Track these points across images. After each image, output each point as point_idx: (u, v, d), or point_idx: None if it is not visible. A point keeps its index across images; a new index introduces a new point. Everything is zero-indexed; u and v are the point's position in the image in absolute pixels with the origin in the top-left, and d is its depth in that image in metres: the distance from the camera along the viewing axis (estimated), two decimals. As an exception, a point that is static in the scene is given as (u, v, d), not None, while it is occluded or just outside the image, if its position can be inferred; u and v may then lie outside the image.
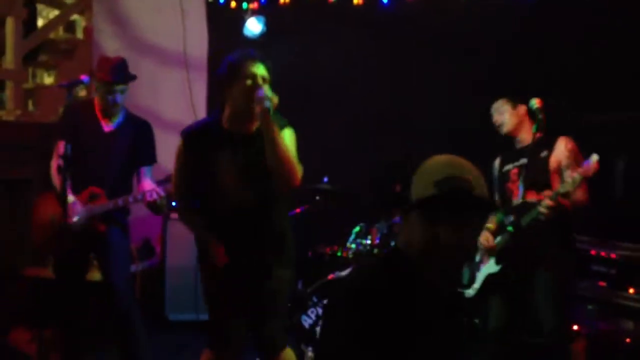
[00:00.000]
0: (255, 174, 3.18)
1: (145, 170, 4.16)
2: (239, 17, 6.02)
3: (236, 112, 3.24)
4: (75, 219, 3.94)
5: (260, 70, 3.21)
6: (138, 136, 4.17)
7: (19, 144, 5.38)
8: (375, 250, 4.75)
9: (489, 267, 3.94)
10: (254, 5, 6.11)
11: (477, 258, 4.06)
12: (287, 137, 3.26)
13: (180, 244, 5.38)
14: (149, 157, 4.21)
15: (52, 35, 6.81)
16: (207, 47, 6.42)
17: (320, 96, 5.99)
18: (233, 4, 6.22)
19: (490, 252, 3.92)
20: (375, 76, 5.91)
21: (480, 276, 3.99)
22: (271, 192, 3.21)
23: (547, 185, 3.65)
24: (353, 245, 4.89)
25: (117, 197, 4.00)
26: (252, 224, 3.22)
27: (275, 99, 3.10)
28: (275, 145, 3.07)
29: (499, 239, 3.91)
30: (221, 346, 3.32)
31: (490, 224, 3.98)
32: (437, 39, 5.70)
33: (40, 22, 6.87)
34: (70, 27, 7.30)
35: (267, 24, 5.93)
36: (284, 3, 6.15)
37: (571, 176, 3.43)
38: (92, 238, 4.05)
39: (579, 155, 3.63)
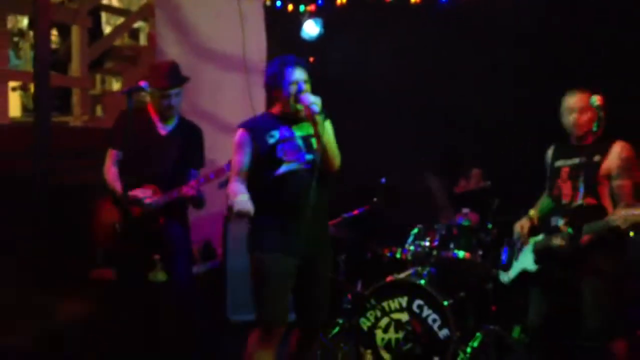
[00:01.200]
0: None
1: (194, 172, 4.31)
2: (297, 19, 6.04)
3: (285, 111, 3.62)
4: (151, 200, 4.07)
5: (300, 75, 3.56)
6: (191, 140, 4.35)
7: (86, 149, 5.54)
8: (434, 252, 4.70)
9: (526, 262, 3.84)
10: (311, 8, 6.12)
11: (517, 244, 3.98)
12: (328, 129, 3.60)
13: (242, 246, 5.41)
14: (199, 160, 4.39)
15: (116, 43, 7.01)
16: (266, 51, 6.47)
17: (379, 96, 5.96)
18: (290, 7, 6.25)
19: (524, 240, 3.87)
20: (434, 74, 5.84)
21: (516, 268, 3.91)
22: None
23: (595, 192, 3.56)
24: (412, 247, 4.84)
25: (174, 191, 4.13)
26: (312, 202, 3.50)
27: (319, 101, 3.45)
28: (324, 142, 3.48)
29: (541, 237, 3.80)
30: (275, 323, 3.52)
31: (533, 212, 3.91)
32: (498, 34, 5.60)
33: (106, 30, 7.08)
34: (134, 34, 7.51)
35: (325, 26, 5.93)
36: (341, 4, 6.14)
37: (622, 215, 3.30)
38: (153, 236, 4.15)
39: (634, 164, 3.51)
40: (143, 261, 4.23)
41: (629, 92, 4.94)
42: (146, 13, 7.00)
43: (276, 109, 3.66)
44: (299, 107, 3.52)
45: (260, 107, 6.42)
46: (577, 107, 3.68)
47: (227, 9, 6.34)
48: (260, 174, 3.56)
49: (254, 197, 3.52)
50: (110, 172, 4.23)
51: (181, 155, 4.27)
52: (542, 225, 3.86)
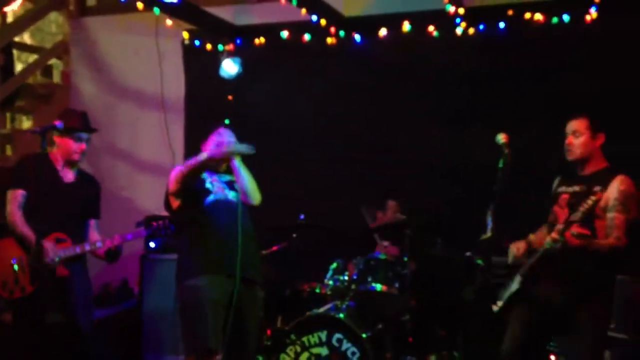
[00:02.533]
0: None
1: (94, 223, 4.39)
2: (215, 58, 6.09)
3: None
4: (55, 258, 4.00)
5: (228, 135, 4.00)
6: (91, 191, 4.39)
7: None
8: (353, 286, 4.77)
9: (514, 285, 3.75)
10: (230, 47, 6.19)
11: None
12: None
13: (159, 285, 5.37)
14: (98, 212, 4.44)
15: (29, 80, 6.86)
16: (185, 88, 6.49)
17: (297, 135, 6.04)
18: (209, 46, 6.30)
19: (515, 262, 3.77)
20: (352, 113, 5.99)
21: (506, 294, 3.80)
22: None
23: (592, 221, 3.49)
24: (331, 282, 4.90)
25: (80, 243, 4.15)
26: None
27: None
28: (244, 179, 3.85)
29: (530, 259, 3.70)
30: (209, 350, 3.56)
31: (532, 237, 3.84)
32: (412, 73, 5.81)
33: (19, 67, 6.93)
34: (48, 71, 7.37)
35: (243, 65, 6.01)
36: (259, 44, 6.24)
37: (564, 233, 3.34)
38: (54, 281, 4.04)
39: (631, 198, 3.48)
40: (41, 301, 4.11)
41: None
42: (60, 50, 6.90)
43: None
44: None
45: (178, 145, 6.42)
46: (573, 128, 3.72)
47: (145, 47, 6.34)
48: (190, 206, 3.80)
49: (185, 233, 3.80)
50: (17, 215, 4.11)
51: (83, 204, 4.31)
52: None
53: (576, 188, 3.66)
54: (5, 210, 4.14)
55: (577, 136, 3.68)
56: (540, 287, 3.61)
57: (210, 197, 3.81)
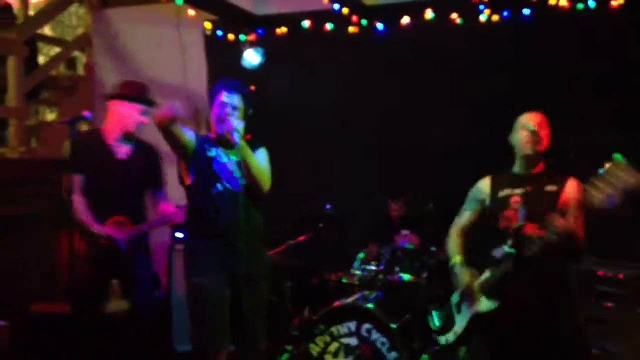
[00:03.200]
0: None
1: (161, 193, 4.25)
2: (237, 48, 6.09)
3: (217, 134, 3.69)
4: (121, 237, 4.00)
5: (231, 99, 3.62)
6: (148, 160, 4.24)
7: (22, 181, 5.44)
8: (380, 276, 4.78)
9: (479, 305, 3.51)
10: (252, 37, 6.19)
11: (455, 298, 3.71)
12: (262, 157, 3.74)
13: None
14: (161, 182, 4.29)
15: (53, 72, 6.90)
16: (206, 79, 6.49)
17: (320, 124, 6.05)
18: (231, 37, 6.30)
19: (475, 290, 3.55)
20: (375, 103, 5.98)
21: (464, 317, 3.62)
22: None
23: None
24: (358, 272, 4.92)
25: (141, 223, 4.09)
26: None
27: (241, 128, 3.58)
28: (247, 166, 3.58)
29: (487, 273, 3.51)
30: (211, 348, 3.54)
31: (459, 259, 3.66)
32: (434, 62, 5.79)
33: (41, 60, 6.97)
34: (72, 63, 7.41)
35: (265, 55, 6.01)
36: (281, 34, 6.23)
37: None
38: (116, 266, 4.05)
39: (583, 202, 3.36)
40: (102, 287, 4.11)
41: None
42: (83, 42, 6.93)
43: (212, 132, 3.74)
44: (223, 129, 3.57)
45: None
46: (534, 122, 3.60)
47: (168, 38, 6.35)
48: (197, 191, 3.63)
49: (190, 218, 3.68)
50: (80, 204, 4.04)
51: (142, 178, 4.18)
52: (481, 264, 3.60)
53: (523, 189, 3.53)
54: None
55: (542, 128, 3.57)
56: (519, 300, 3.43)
57: (216, 188, 3.61)
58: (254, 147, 3.69)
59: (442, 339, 3.76)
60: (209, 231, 3.60)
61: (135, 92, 4.22)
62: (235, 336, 3.63)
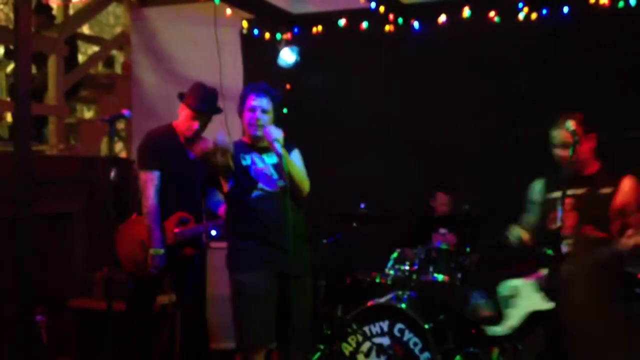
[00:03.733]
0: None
1: (214, 192, 4.36)
2: (273, 47, 6.11)
3: (251, 139, 3.77)
4: (161, 250, 4.12)
5: (261, 102, 3.65)
6: None
7: (62, 178, 5.53)
8: (414, 276, 4.75)
9: (532, 304, 3.65)
10: (288, 36, 6.20)
11: (503, 290, 3.81)
12: (296, 158, 3.80)
13: (220, 273, 5.42)
14: (217, 182, 4.35)
15: (92, 71, 7.01)
16: (243, 78, 6.52)
17: (355, 123, 6.04)
18: (267, 36, 6.32)
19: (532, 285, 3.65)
20: (410, 102, 5.94)
21: (520, 313, 3.70)
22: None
23: (606, 224, 3.44)
24: (392, 272, 4.90)
25: (203, 222, 4.24)
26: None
27: (281, 137, 3.57)
28: (288, 172, 3.59)
29: (545, 272, 3.64)
30: (255, 345, 3.61)
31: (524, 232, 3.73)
32: (471, 61, 5.72)
33: (80, 58, 7.08)
34: (110, 62, 7.52)
35: (301, 54, 6.01)
36: (317, 32, 6.23)
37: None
38: (174, 262, 4.19)
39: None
40: (157, 283, 4.31)
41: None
42: (122, 41, 7.02)
43: (246, 137, 3.81)
44: (259, 134, 3.65)
45: (237, 134, 6.41)
46: (563, 130, 3.57)
47: (204, 37, 6.36)
48: (237, 198, 3.67)
49: (231, 222, 3.71)
50: (154, 205, 4.13)
51: (207, 179, 4.28)
52: (536, 260, 3.72)
53: (577, 191, 3.52)
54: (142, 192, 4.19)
55: (582, 127, 3.53)
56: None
57: (255, 192, 3.64)
58: (289, 149, 3.72)
59: (494, 330, 3.82)
60: (251, 232, 3.64)
61: (207, 103, 4.26)
62: (282, 334, 3.67)
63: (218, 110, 4.34)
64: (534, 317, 3.64)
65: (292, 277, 3.54)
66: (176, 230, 4.17)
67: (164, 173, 4.14)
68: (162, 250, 4.10)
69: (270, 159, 3.73)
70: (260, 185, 3.65)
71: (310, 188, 3.75)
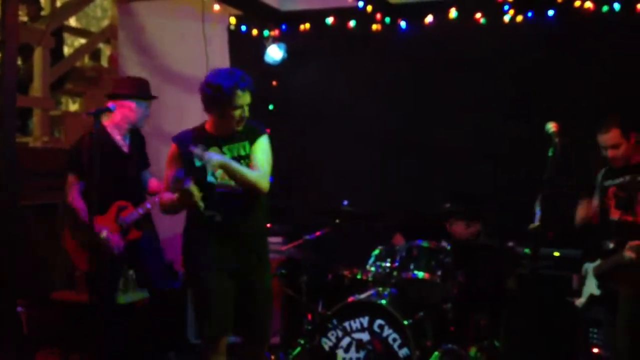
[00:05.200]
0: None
1: (146, 175, 4.67)
2: (261, 44, 6.13)
3: (221, 125, 3.65)
4: (103, 233, 4.26)
5: (247, 99, 3.61)
6: (140, 146, 4.68)
7: (46, 170, 5.52)
8: (395, 273, 4.79)
9: (591, 287, 4.07)
10: (275, 33, 6.22)
11: (586, 268, 4.14)
12: (262, 146, 3.70)
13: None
14: (147, 160, 4.73)
15: (78, 64, 6.99)
16: (230, 73, 6.53)
17: (341, 120, 6.07)
18: (254, 32, 6.34)
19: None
20: (395, 99, 5.98)
21: (585, 293, 4.12)
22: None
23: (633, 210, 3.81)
24: (373, 268, 4.93)
25: (142, 203, 4.42)
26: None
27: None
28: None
29: (598, 261, 4.02)
30: (214, 336, 3.66)
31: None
32: (458, 61, 5.77)
33: (66, 51, 7.06)
34: (96, 55, 7.50)
35: (288, 51, 6.04)
36: (304, 30, 6.26)
37: None
38: (125, 249, 4.36)
39: None
40: (115, 273, 4.42)
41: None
42: (109, 34, 7.01)
43: (209, 125, 3.71)
44: (237, 126, 3.62)
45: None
46: (606, 139, 3.97)
47: (191, 32, 6.39)
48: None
49: (187, 220, 3.76)
50: (79, 203, 4.36)
51: (139, 165, 4.61)
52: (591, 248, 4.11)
53: (621, 179, 3.91)
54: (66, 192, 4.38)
55: (617, 147, 3.92)
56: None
57: (214, 194, 3.59)
58: (255, 136, 3.69)
59: (577, 301, 4.19)
60: (203, 232, 3.66)
61: (138, 89, 4.51)
62: (242, 330, 3.77)
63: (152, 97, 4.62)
64: (591, 300, 4.07)
65: (244, 276, 3.67)
66: (120, 218, 4.38)
67: (100, 172, 4.15)
68: (105, 232, 4.28)
69: (230, 152, 3.65)
70: (216, 185, 3.57)
71: (270, 183, 3.69)
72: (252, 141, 3.70)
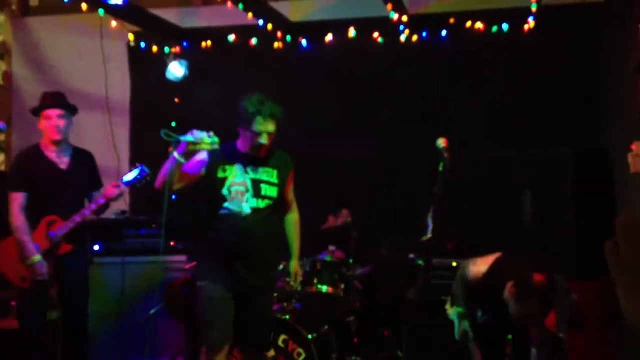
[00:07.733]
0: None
1: (96, 194, 4.56)
2: (162, 61, 6.07)
3: (244, 145, 3.90)
4: (36, 257, 4.26)
5: (269, 128, 3.82)
6: (87, 166, 4.61)
7: None
8: (299, 288, 4.82)
9: None
10: (176, 50, 6.18)
11: None
12: (292, 179, 4.12)
13: (104, 289, 5.31)
14: (99, 181, 4.66)
15: (-31, 81, 6.71)
16: (130, 91, 6.44)
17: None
18: (155, 49, 6.27)
19: None
20: (296, 117, 6.02)
21: None
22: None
23: None
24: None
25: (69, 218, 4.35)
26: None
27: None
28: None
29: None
30: (216, 345, 3.81)
31: None
32: (357, 79, 5.92)
33: (-43, 67, 6.77)
34: (-12, 72, 7.20)
35: (190, 68, 6.01)
36: (206, 47, 6.25)
37: None
38: (56, 265, 4.31)
39: None
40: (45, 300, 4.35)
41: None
42: (2, 50, 6.77)
43: (239, 141, 3.90)
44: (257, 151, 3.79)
45: (123, 147, 6.37)
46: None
47: (89, 48, 6.28)
48: (206, 207, 3.86)
49: (200, 232, 3.96)
50: (21, 221, 4.31)
51: (82, 184, 4.50)
52: None
53: None
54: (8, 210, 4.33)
55: None
56: None
57: (223, 210, 3.78)
58: (287, 168, 4.02)
59: None
60: (212, 247, 3.86)
61: (50, 100, 4.46)
62: (242, 341, 3.96)
63: (65, 106, 4.53)
64: None
65: (249, 291, 3.83)
66: (50, 233, 4.31)
67: (35, 189, 4.33)
68: (38, 257, 4.25)
69: (255, 174, 3.83)
70: (229, 202, 3.76)
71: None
72: (283, 171, 3.94)
